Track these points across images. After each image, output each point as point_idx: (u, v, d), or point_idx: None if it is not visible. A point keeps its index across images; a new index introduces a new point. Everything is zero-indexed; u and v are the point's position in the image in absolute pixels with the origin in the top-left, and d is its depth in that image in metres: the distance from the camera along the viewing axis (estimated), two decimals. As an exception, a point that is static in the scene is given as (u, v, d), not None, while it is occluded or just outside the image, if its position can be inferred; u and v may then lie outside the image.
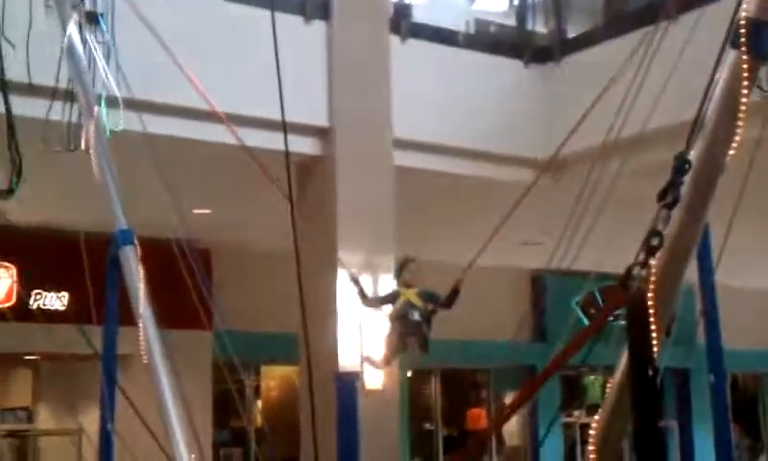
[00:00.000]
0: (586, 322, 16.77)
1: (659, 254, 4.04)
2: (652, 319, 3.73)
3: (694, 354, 10.42)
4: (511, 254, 17.13)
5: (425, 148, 11.95)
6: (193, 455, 5.59)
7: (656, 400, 3.65)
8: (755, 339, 19.73)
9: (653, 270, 4.00)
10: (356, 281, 8.00)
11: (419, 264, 8.14)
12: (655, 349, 3.71)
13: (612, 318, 4.24)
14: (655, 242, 3.98)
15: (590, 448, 4.06)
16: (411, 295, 7.86)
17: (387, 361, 7.98)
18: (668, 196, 4.02)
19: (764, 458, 22.14)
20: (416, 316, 7.72)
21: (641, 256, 3.98)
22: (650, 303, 3.82)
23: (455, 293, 7.78)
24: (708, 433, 20.94)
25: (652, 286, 3.94)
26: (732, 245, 5.42)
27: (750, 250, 12.92)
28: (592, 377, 18.49)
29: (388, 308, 8.54)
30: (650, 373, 3.62)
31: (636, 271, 3.95)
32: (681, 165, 4.06)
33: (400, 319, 7.78)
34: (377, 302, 8.02)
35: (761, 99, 4.71)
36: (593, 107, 6.13)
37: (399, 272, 8.07)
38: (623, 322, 4.00)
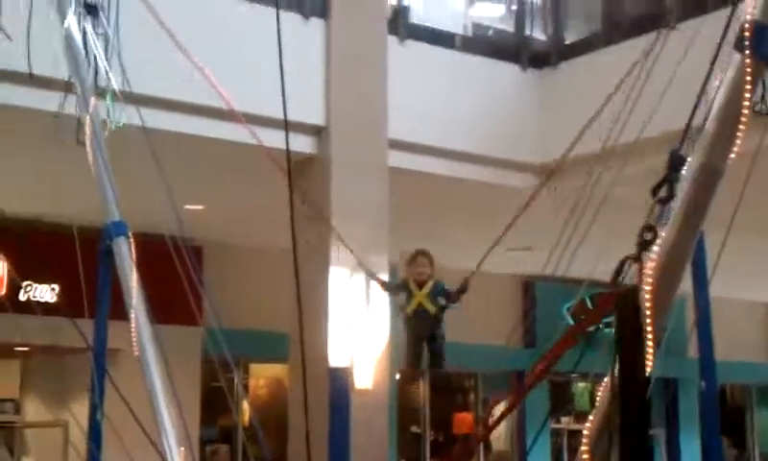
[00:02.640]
0: (576, 329, 16.79)
1: (653, 252, 4.01)
2: (647, 317, 3.70)
3: (683, 365, 10.48)
4: (502, 260, 17.15)
5: (420, 150, 11.95)
6: (182, 448, 5.59)
7: (643, 402, 3.62)
8: (743, 351, 19.78)
9: (645, 267, 3.98)
10: (372, 274, 7.94)
11: (430, 255, 8.05)
12: (650, 353, 3.69)
13: (603, 325, 4.22)
14: (648, 236, 3.97)
15: (583, 451, 4.05)
16: (422, 297, 7.79)
17: (413, 362, 7.90)
18: (661, 191, 4.00)
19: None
20: (429, 321, 7.71)
21: (634, 251, 3.96)
22: (644, 298, 3.79)
23: (464, 289, 7.73)
24: (694, 442, 21.12)
25: (647, 281, 3.92)
26: (723, 256, 5.43)
27: (740, 262, 12.93)
28: (581, 385, 18.51)
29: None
30: (638, 372, 3.60)
31: (627, 265, 3.93)
32: (675, 160, 4.05)
33: (414, 319, 7.74)
34: (389, 288, 7.97)
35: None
36: (596, 116, 6.12)
37: (410, 263, 7.96)
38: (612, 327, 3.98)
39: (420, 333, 7.69)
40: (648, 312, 3.77)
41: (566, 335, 4.26)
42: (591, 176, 6.08)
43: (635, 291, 3.80)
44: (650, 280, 3.93)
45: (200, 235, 13.42)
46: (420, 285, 7.85)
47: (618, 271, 3.94)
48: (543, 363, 4.38)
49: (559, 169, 8.85)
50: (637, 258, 3.99)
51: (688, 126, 4.25)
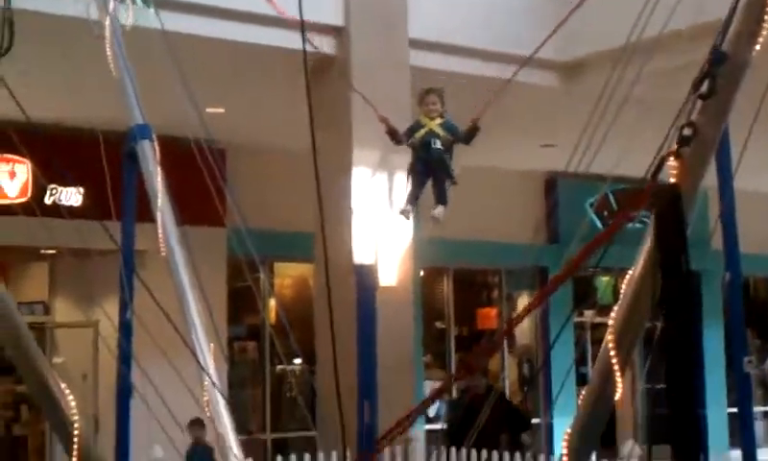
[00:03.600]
0: (599, 224, 16.82)
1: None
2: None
3: (707, 256, 10.51)
4: (525, 157, 17.12)
5: (441, 48, 11.88)
6: (212, 344, 5.70)
7: (691, 300, 3.65)
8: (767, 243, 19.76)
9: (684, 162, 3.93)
10: (385, 120, 7.92)
11: (441, 91, 8.00)
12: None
13: (629, 220, 4.22)
14: (688, 132, 3.92)
15: (609, 341, 4.10)
16: (434, 125, 7.77)
17: (407, 214, 7.85)
18: (702, 86, 3.94)
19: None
20: (437, 144, 7.63)
21: (674, 147, 3.91)
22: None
23: (475, 128, 7.70)
24: (718, 334, 21.19)
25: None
26: (747, 149, 5.42)
27: (764, 155, 12.87)
28: (605, 279, 18.57)
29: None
30: (684, 270, 3.61)
31: (668, 161, 3.87)
32: (717, 55, 3.98)
33: (423, 147, 7.69)
34: (405, 137, 7.93)
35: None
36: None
37: (420, 102, 7.95)
38: (640, 224, 3.99)
39: (428, 162, 7.59)
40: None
41: (603, 234, 4.26)
42: (613, 71, 6.05)
43: (675, 188, 3.77)
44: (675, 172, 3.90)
45: (222, 138, 13.46)
46: (432, 119, 7.88)
47: (658, 167, 3.89)
48: (575, 261, 4.39)
49: (581, 66, 8.81)
50: (678, 155, 3.94)
51: (728, 21, 4.18)
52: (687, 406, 3.55)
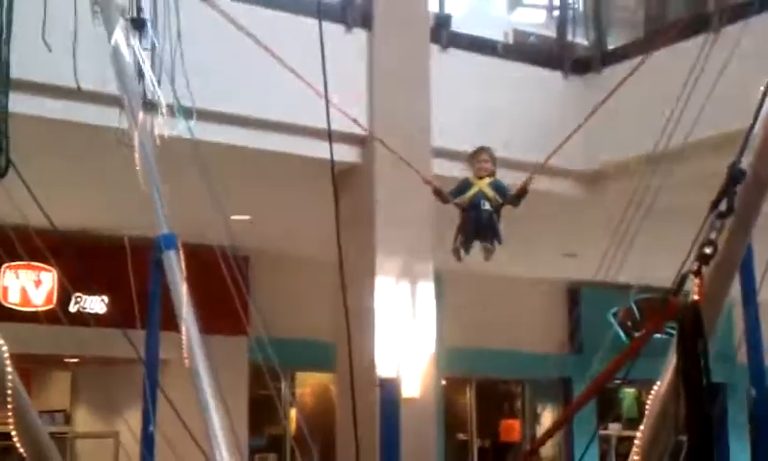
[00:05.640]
0: (622, 335, 16.70)
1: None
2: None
3: (732, 370, 10.41)
4: (548, 266, 17.10)
5: (464, 157, 11.94)
6: (234, 458, 5.64)
7: (710, 415, 3.61)
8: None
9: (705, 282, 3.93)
10: (429, 182, 7.85)
11: (492, 151, 7.94)
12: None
13: (655, 332, 4.19)
14: (708, 251, 3.92)
15: (635, 458, 4.04)
16: (483, 185, 7.69)
17: (457, 253, 7.72)
18: (721, 205, 3.95)
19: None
20: (487, 206, 7.52)
21: (694, 266, 3.91)
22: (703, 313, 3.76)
23: (524, 191, 7.62)
24: (743, 446, 20.77)
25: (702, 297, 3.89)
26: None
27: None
28: (629, 391, 18.39)
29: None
30: (704, 385, 3.58)
31: (689, 280, 3.87)
32: (735, 173, 3.99)
33: (472, 208, 7.59)
34: (451, 196, 7.84)
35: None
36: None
37: (471, 160, 7.88)
38: (666, 335, 3.96)
39: (477, 222, 7.45)
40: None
41: (628, 349, 4.23)
42: (636, 181, 6.08)
43: (696, 307, 3.76)
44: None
45: (247, 245, 13.52)
46: (481, 179, 7.79)
47: (680, 285, 3.89)
48: (602, 377, 4.34)
49: (604, 176, 8.83)
50: (698, 273, 3.93)
51: (747, 137, 4.19)
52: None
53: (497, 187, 7.64)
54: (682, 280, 3.88)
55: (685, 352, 3.66)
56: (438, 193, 7.80)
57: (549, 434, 6.58)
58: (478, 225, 7.47)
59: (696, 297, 3.86)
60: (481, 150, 7.95)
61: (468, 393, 18.75)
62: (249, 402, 15.14)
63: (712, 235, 3.94)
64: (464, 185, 7.69)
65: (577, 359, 16.96)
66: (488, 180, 7.69)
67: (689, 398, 3.58)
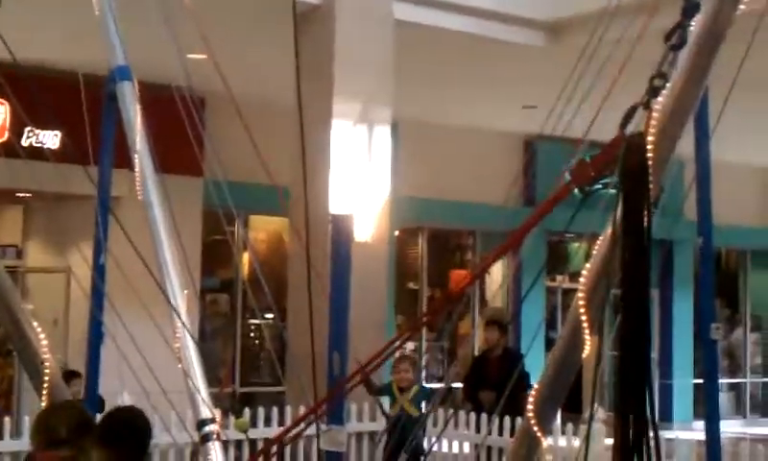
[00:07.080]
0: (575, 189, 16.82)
1: (660, 101, 3.94)
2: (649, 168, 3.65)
3: (679, 226, 10.56)
4: (505, 119, 17.10)
5: (426, 2, 11.82)
6: (185, 291, 5.68)
7: (646, 252, 3.61)
8: (740, 215, 19.90)
9: (653, 119, 3.90)
10: (368, 381, 7.95)
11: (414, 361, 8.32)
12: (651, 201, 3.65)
13: (601, 185, 4.19)
14: (658, 83, 3.89)
15: (579, 298, 4.10)
16: (405, 402, 8.00)
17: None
18: (674, 38, 3.92)
19: (740, 331, 22.58)
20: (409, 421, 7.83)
21: (644, 98, 3.88)
22: (648, 149, 3.73)
23: (446, 396, 7.96)
24: (687, 303, 21.24)
25: (651, 131, 3.86)
26: (723, 117, 5.42)
27: (740, 123, 12.94)
28: (576, 245, 18.65)
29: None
30: (642, 223, 3.58)
31: (637, 111, 3.84)
32: (689, 7, 3.96)
33: (393, 426, 7.85)
34: (378, 391, 8.19)
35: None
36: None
37: (394, 366, 8.21)
38: (613, 190, 3.97)
39: (401, 439, 7.56)
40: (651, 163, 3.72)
41: (564, 187, 4.24)
42: (596, 33, 6.03)
43: (641, 137, 3.73)
44: (653, 129, 3.87)
45: (203, 87, 13.37)
46: (403, 390, 8.06)
47: (627, 117, 3.86)
48: (536, 214, 4.38)
49: (566, 27, 8.78)
50: (647, 105, 3.91)
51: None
52: (637, 374, 3.51)
53: (421, 399, 7.88)
54: (630, 112, 3.85)
55: (626, 185, 3.64)
56: (368, 385, 8.04)
57: (487, 265, 6.69)
58: (400, 443, 7.61)
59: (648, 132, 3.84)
60: (401, 359, 8.13)
61: (420, 242, 18.91)
62: (202, 245, 15.18)
63: (665, 68, 3.92)
64: (387, 390, 7.91)
65: (529, 211, 17.09)
66: (410, 393, 7.90)
67: (626, 233, 3.59)
